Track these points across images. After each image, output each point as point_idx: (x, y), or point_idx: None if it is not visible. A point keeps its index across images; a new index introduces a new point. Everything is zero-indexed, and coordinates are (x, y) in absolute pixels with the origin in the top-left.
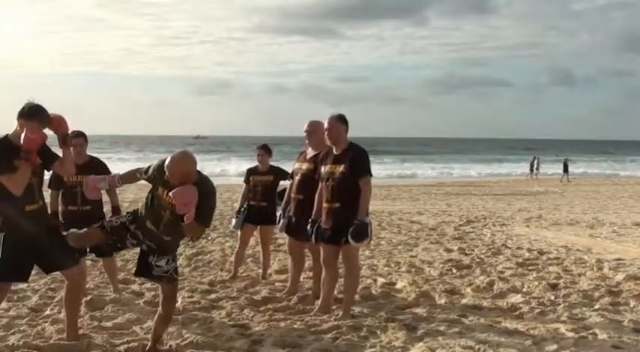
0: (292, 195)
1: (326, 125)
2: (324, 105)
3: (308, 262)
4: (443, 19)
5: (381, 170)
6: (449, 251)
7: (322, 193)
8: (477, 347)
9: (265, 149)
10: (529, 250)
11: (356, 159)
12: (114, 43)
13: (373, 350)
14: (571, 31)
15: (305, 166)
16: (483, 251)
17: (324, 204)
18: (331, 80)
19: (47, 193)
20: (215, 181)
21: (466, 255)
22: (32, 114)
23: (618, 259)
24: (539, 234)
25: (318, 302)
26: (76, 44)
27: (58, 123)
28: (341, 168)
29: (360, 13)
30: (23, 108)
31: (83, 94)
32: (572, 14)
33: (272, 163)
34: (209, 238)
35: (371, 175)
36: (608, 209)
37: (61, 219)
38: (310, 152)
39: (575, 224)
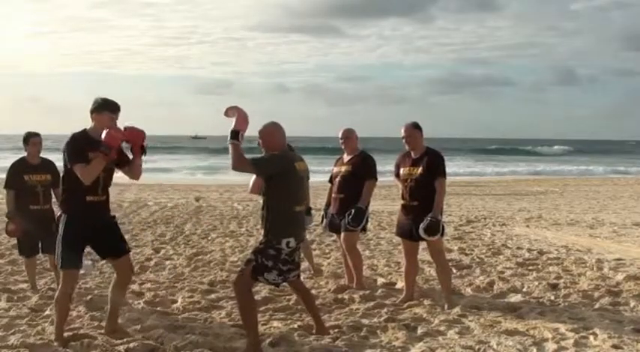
0: (333, 195)
1: (403, 133)
2: (324, 105)
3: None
4: (448, 17)
5: (382, 171)
6: (449, 251)
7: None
8: (477, 347)
9: None
10: (529, 250)
11: (432, 163)
12: (113, 43)
13: (373, 350)
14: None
15: (344, 168)
16: (483, 251)
17: (402, 202)
18: (331, 80)
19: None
20: (214, 181)
21: (466, 255)
22: (116, 106)
23: (618, 259)
24: (539, 234)
25: (354, 289)
26: (76, 44)
27: (138, 136)
28: (419, 170)
29: (363, 11)
30: (105, 101)
31: (83, 94)
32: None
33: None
34: (209, 238)
35: (445, 177)
36: (608, 209)
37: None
38: (346, 156)
39: (575, 224)
